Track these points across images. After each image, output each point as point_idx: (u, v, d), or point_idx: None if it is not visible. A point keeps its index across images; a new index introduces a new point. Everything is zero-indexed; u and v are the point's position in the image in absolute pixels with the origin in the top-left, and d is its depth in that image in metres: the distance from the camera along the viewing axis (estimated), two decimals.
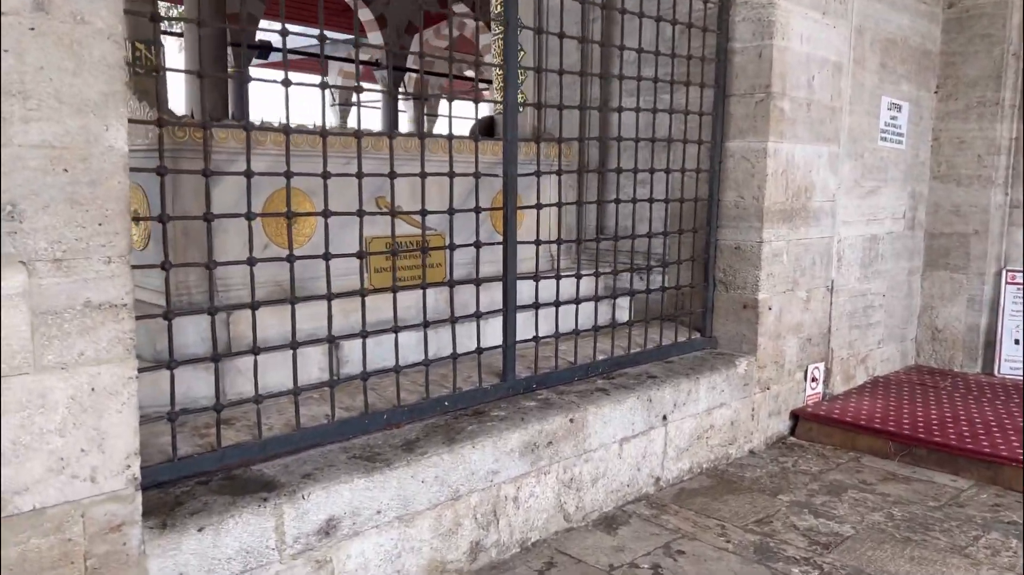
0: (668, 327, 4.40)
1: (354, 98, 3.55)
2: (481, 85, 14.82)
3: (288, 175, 2.82)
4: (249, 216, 2.70)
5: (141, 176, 3.46)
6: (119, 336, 2.20)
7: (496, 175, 3.58)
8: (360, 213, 3.00)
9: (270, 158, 3.43)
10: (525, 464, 3.29)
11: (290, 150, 2.89)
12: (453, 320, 3.37)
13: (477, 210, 3.39)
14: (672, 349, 4.41)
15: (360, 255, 3.00)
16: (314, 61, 18.01)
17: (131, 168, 2.16)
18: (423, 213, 3.22)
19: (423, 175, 3.22)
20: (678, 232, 4.37)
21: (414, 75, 16.86)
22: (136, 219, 3.47)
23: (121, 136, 2.18)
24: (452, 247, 3.32)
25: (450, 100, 3.33)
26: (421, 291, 3.30)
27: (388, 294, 3.30)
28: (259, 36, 14.20)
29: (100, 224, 2.15)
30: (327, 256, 2.92)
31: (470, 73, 16.93)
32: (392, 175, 3.08)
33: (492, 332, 3.82)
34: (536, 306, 3.70)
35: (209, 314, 2.71)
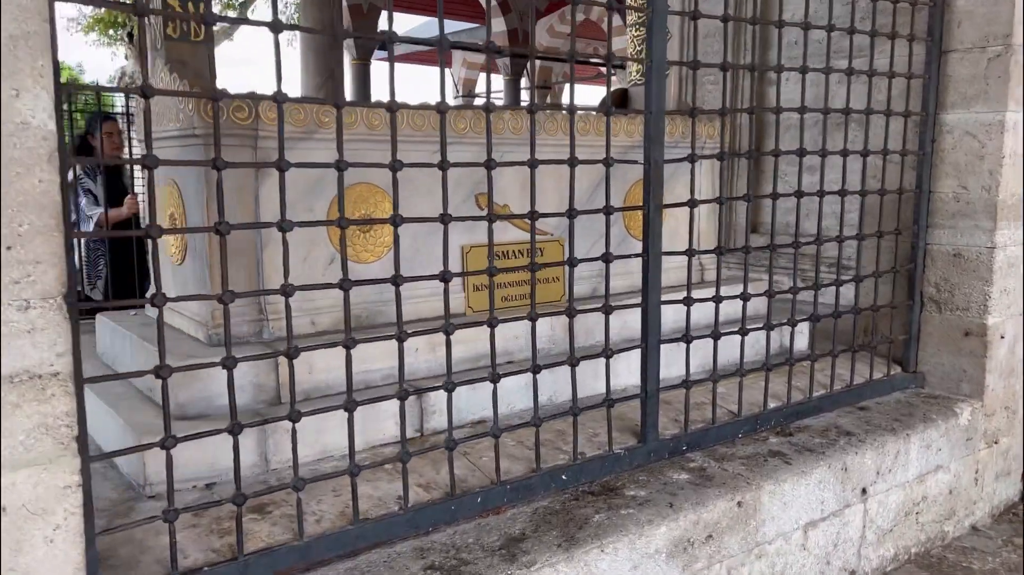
0: (859, 359, 3.29)
1: (479, 87, 2.59)
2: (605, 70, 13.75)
3: (340, 167, 1.95)
4: (284, 226, 1.84)
5: (174, 170, 2.69)
6: (46, 423, 1.41)
7: (634, 162, 2.59)
8: (444, 219, 2.10)
9: (335, 143, 2.58)
10: (674, 569, 2.30)
11: (343, 135, 2.01)
12: (573, 363, 2.41)
13: (608, 211, 2.42)
14: (865, 390, 3.30)
15: (443, 277, 2.09)
16: (434, 52, 17.46)
17: (161, 161, 1.34)
18: (532, 217, 2.28)
19: (532, 163, 2.28)
20: (877, 235, 3.24)
21: (538, 63, 15.97)
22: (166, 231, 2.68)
23: (43, 107, 1.37)
24: (572, 262, 2.36)
25: (571, 60, 2.36)
26: (530, 322, 2.34)
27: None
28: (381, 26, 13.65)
29: (9, 248, 1.33)
30: (397, 280, 2.02)
31: (594, 60, 15.89)
32: (490, 164, 2.15)
33: (624, 370, 2.86)
34: (688, 339, 2.69)
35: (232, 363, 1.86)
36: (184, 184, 2.60)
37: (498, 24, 14.76)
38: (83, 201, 4.57)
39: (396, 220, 2.08)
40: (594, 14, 15.47)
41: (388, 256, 2.84)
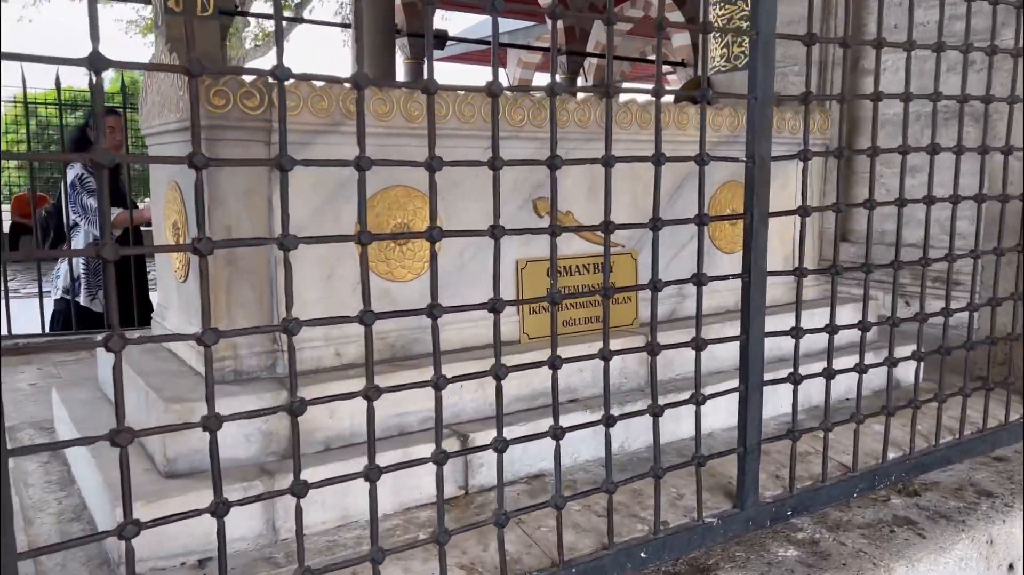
0: (988, 397, 2.70)
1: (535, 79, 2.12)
2: (666, 69, 13.12)
3: (361, 165, 1.47)
4: (286, 245, 1.37)
5: (175, 170, 2.25)
6: None
7: (734, 159, 2.06)
8: (495, 233, 1.61)
9: (367, 138, 2.12)
10: None
11: (372, 127, 1.53)
12: (656, 412, 1.89)
13: (701, 220, 1.90)
14: (1001, 435, 2.72)
15: (493, 307, 1.60)
16: (489, 51, 17.03)
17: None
18: (607, 229, 1.78)
19: (607, 161, 1.78)
20: (994, 253, 2.64)
21: (595, 60, 15.42)
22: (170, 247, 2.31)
23: None
24: (656, 286, 1.84)
25: (659, 27, 1.84)
26: (602, 360, 1.84)
27: (548, 348, 1.92)
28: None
29: None
30: (434, 311, 1.54)
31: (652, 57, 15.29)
32: (553, 163, 1.65)
33: (711, 408, 2.34)
34: (795, 378, 2.15)
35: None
36: (186, 187, 2.15)
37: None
38: (90, 201, 4.17)
39: (433, 234, 1.59)
40: (653, 10, 14.82)
41: (428, 274, 2.35)
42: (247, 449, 1.96)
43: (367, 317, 1.54)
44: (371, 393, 1.58)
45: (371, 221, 2.24)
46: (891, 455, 2.46)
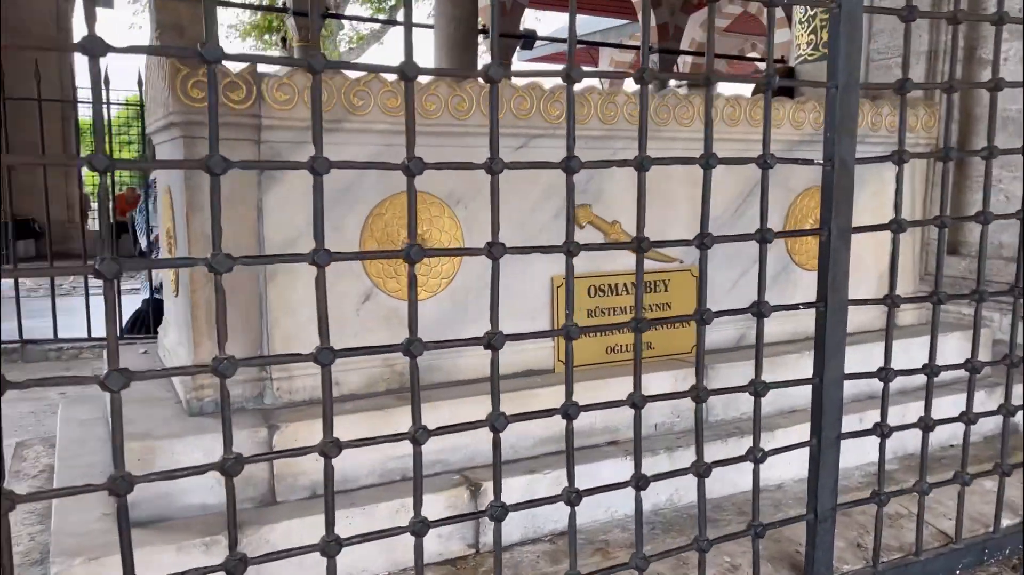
0: None
1: (628, 85, 1.87)
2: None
3: (316, 170, 1.16)
4: (215, 266, 1.08)
5: (169, 173, 2.02)
6: None
7: (808, 161, 1.66)
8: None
9: (374, 137, 1.85)
10: None
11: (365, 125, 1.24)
12: (701, 472, 1.52)
13: (763, 237, 1.52)
14: None
15: (490, 342, 1.28)
16: (582, 51, 16.62)
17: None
18: (639, 247, 1.42)
19: (640, 163, 1.43)
20: None
21: (690, 59, 14.82)
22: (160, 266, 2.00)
23: None
24: (703, 317, 1.48)
25: None
26: (633, 408, 1.48)
27: (592, 380, 1.61)
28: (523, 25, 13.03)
29: None
30: (412, 350, 1.22)
31: (752, 55, 14.60)
32: (570, 165, 1.31)
33: (788, 463, 1.95)
34: (882, 431, 1.74)
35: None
36: (174, 192, 1.90)
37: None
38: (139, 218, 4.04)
39: (411, 254, 1.28)
40: (753, 6, 14.13)
41: (446, 292, 2.05)
42: (218, 494, 1.69)
43: (322, 355, 1.23)
44: (328, 449, 1.27)
45: (379, 231, 1.94)
46: (1005, 522, 2.00)
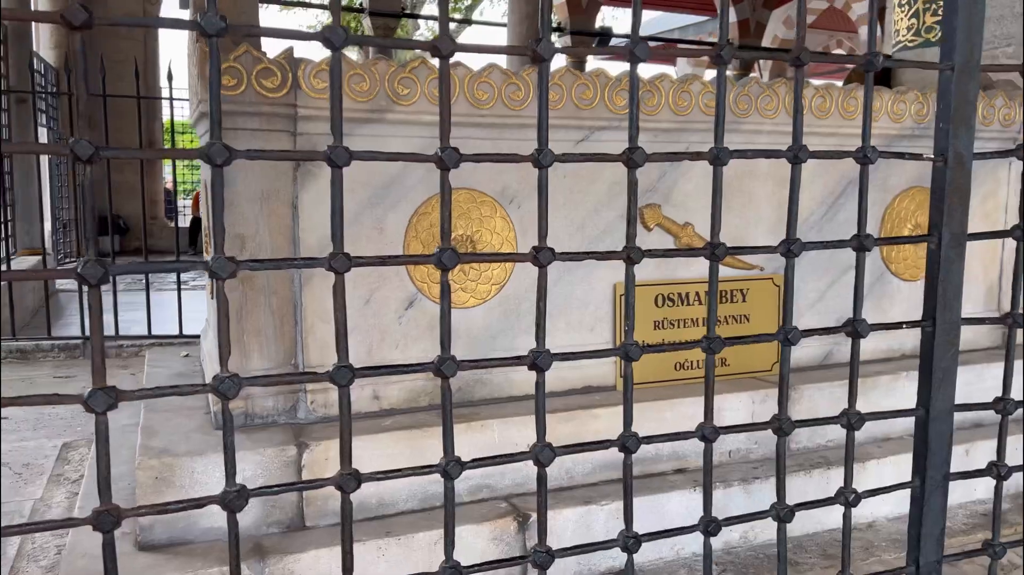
0: None
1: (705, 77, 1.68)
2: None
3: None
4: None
5: (206, 168, 1.89)
6: None
7: (916, 156, 1.41)
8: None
9: (420, 129, 1.69)
10: None
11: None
12: (782, 516, 1.30)
13: (861, 245, 1.29)
14: None
15: (535, 363, 1.08)
16: (657, 48, 16.24)
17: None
18: (714, 255, 1.21)
19: (716, 155, 1.21)
20: None
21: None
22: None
23: None
24: (788, 337, 1.25)
25: None
26: (703, 442, 1.27)
27: (657, 400, 1.42)
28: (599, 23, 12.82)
29: None
30: (443, 368, 1.04)
31: (840, 52, 13.96)
32: (631, 157, 1.10)
33: (874, 477, 1.69)
34: (999, 471, 1.47)
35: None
36: (207, 187, 1.76)
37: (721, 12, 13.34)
38: None
39: (443, 259, 1.09)
40: (839, 1, 13.52)
41: (497, 298, 1.87)
42: (244, 518, 1.55)
43: (339, 374, 1.07)
44: (345, 483, 1.10)
45: (424, 232, 1.77)
46: None
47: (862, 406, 1.48)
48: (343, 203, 1.75)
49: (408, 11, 14.22)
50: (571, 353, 1.27)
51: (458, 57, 1.62)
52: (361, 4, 11.25)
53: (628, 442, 1.24)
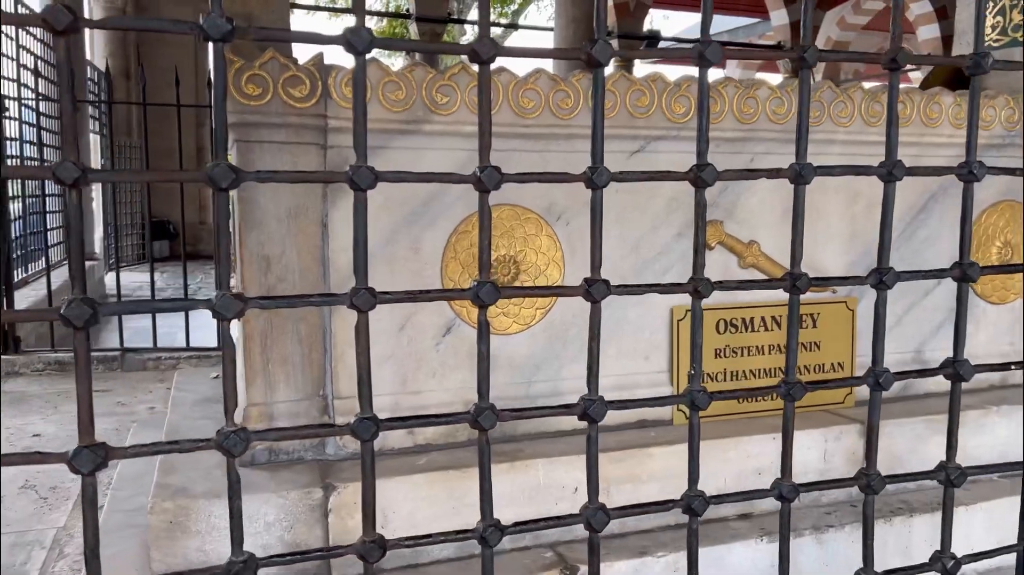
0: None
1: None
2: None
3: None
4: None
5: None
6: None
7: (1009, 171, 1.22)
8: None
9: (460, 141, 1.55)
10: None
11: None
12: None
13: (965, 274, 1.10)
14: None
15: (586, 412, 0.92)
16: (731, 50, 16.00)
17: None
18: (793, 286, 1.03)
19: (797, 173, 1.03)
20: None
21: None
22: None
23: None
24: (878, 381, 1.08)
25: None
26: (780, 501, 1.09)
27: (721, 439, 1.27)
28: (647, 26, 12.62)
29: None
30: (481, 420, 0.89)
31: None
32: (700, 176, 0.94)
33: (971, 529, 1.49)
34: None
35: None
36: (236, 201, 1.65)
37: (779, 17, 13.04)
38: None
39: (481, 295, 0.96)
40: None
41: (542, 324, 1.72)
42: (265, 570, 1.41)
43: (361, 427, 0.93)
44: (368, 552, 0.96)
45: (464, 252, 1.63)
46: None
47: (932, 438, 1.30)
48: (377, 222, 1.61)
49: (454, 16, 14.16)
50: (627, 400, 1.11)
51: (501, 62, 1.46)
52: (407, 10, 11.23)
53: (694, 503, 1.09)
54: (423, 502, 1.50)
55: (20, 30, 4.78)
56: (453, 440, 1.68)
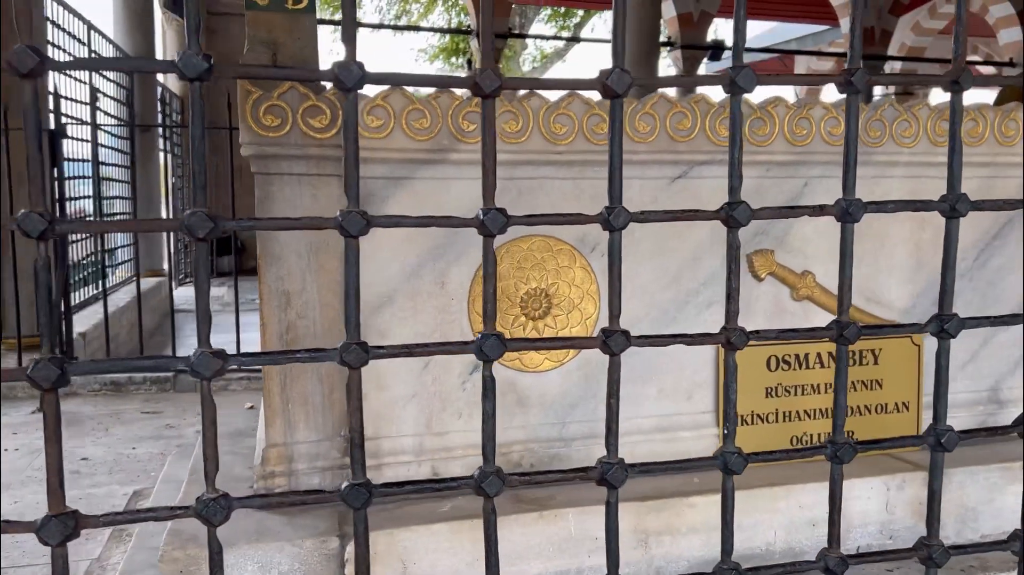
0: None
1: (824, 96, 1.33)
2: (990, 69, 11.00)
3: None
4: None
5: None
6: None
7: None
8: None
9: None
10: None
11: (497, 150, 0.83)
12: None
13: None
14: None
15: (603, 477, 0.83)
16: (776, 60, 15.65)
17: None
18: (839, 335, 0.92)
19: (845, 211, 0.92)
20: None
21: (897, 65, 13.47)
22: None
23: None
24: (941, 442, 0.95)
25: None
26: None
27: (771, 487, 1.16)
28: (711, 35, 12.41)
29: None
30: (485, 486, 0.81)
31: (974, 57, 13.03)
32: (735, 212, 0.84)
33: None
34: None
35: None
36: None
37: (848, 24, 12.63)
38: None
39: (484, 348, 0.90)
40: (975, 3, 12.58)
41: (576, 361, 1.62)
42: None
43: (352, 495, 0.86)
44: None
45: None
46: None
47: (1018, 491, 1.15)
48: (400, 255, 1.53)
49: (516, 31, 14.17)
50: (650, 464, 1.01)
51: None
52: (468, 26, 11.28)
53: None
54: (445, 553, 1.42)
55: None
56: (519, 462, 1.60)
